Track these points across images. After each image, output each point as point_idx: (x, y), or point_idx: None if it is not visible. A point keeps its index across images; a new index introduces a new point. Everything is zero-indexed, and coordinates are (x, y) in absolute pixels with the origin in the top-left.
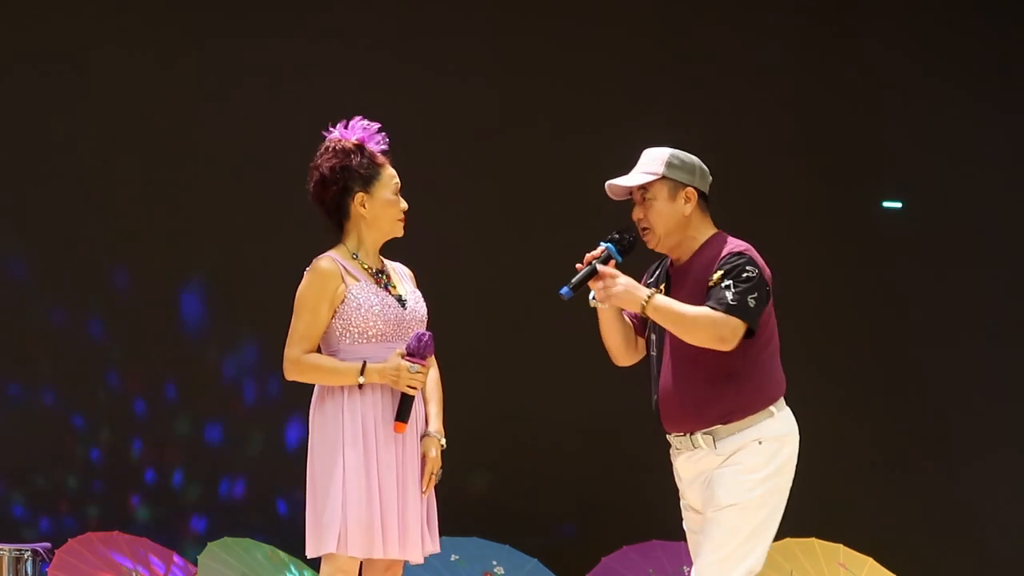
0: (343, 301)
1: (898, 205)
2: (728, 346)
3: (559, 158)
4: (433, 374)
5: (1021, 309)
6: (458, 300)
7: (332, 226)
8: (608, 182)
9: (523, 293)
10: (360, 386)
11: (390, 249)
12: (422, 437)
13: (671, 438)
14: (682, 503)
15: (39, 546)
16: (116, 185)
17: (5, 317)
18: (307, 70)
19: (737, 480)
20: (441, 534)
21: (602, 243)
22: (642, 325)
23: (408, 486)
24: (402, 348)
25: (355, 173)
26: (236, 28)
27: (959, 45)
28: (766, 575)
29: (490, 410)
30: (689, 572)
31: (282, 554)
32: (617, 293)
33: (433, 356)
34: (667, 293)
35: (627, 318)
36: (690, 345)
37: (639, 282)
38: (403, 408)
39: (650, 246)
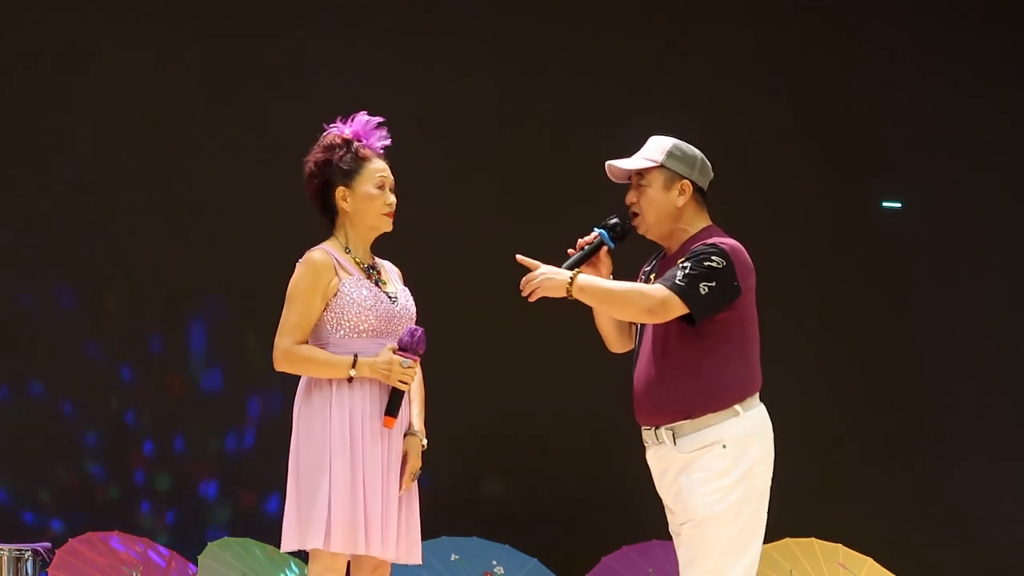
0: (335, 294)
1: (898, 205)
2: (657, 319)
3: (559, 158)
4: (417, 375)
5: (1021, 309)
6: (458, 300)
7: (325, 221)
8: (608, 162)
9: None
10: (349, 380)
11: (391, 250)
12: (404, 435)
13: (643, 432)
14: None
15: (39, 546)
16: (116, 185)
17: (5, 317)
18: (307, 70)
19: (708, 489)
20: (441, 534)
21: (595, 228)
22: None
23: (391, 484)
24: (394, 343)
25: (335, 168)
26: (236, 28)
27: (959, 45)
28: (766, 575)
29: (491, 410)
30: None
31: (282, 553)
32: (540, 284)
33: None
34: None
35: None
36: (660, 338)
37: (636, 276)
38: (393, 403)
39: (639, 231)
